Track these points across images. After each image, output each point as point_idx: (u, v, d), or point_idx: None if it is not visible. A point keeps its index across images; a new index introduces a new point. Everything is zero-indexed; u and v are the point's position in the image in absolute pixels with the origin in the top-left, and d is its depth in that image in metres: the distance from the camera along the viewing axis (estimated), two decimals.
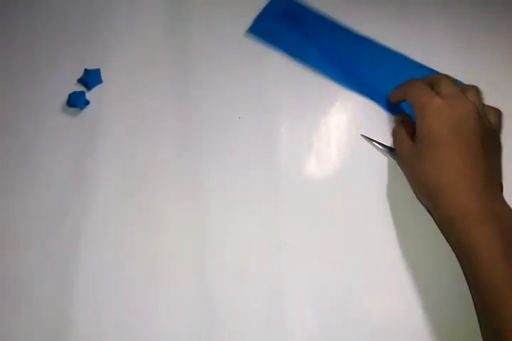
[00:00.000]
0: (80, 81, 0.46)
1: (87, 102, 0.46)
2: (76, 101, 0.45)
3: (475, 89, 0.39)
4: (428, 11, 0.49)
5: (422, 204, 0.39)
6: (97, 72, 0.46)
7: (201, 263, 0.40)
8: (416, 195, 0.40)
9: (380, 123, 0.45)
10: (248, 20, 0.49)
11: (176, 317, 0.38)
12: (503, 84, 0.46)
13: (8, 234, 0.41)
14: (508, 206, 0.35)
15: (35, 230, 0.41)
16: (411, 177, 0.39)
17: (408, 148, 0.39)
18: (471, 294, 0.35)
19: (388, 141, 0.44)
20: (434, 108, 0.36)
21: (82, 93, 0.45)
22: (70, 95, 0.45)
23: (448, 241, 0.37)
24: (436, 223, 0.38)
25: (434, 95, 0.37)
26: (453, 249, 0.36)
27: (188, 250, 0.40)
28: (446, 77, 0.40)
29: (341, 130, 0.45)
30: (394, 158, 0.42)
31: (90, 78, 0.46)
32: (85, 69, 0.46)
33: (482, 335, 0.34)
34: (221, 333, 0.38)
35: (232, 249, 0.40)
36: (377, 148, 0.41)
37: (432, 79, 0.39)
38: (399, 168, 0.42)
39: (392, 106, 0.44)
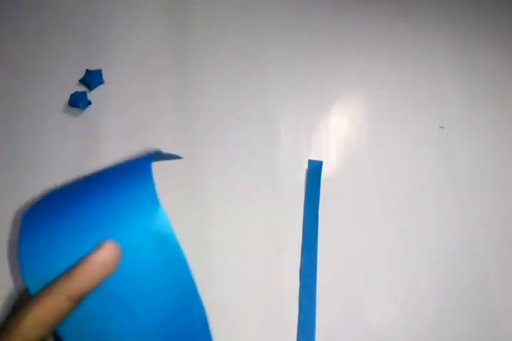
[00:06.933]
0: (82, 81, 0.47)
1: (89, 102, 0.46)
2: (78, 102, 0.45)
3: None
4: (428, 11, 0.49)
5: None
6: (99, 72, 0.47)
7: (201, 263, 0.40)
8: None
9: (379, 123, 0.45)
10: (249, 20, 0.49)
11: None
12: (503, 84, 0.46)
13: (9, 234, 0.41)
14: None
15: None
16: None
17: None
18: None
19: (391, 139, 0.44)
20: None
21: (84, 93, 0.46)
22: (71, 95, 0.45)
23: None
24: None
25: None
26: None
27: (189, 250, 0.40)
28: None
29: (341, 130, 0.45)
30: None
31: (92, 78, 0.46)
32: (87, 70, 0.46)
33: None
34: (221, 332, 0.38)
35: (233, 248, 0.40)
36: None
37: None
38: (398, 168, 0.43)
39: None
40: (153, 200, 0.23)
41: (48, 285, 0.21)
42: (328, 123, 0.45)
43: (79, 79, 0.47)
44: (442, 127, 0.44)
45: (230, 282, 0.39)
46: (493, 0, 0.50)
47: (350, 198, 0.42)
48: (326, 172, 0.43)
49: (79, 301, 0.21)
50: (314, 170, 0.42)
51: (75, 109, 0.46)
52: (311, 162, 0.42)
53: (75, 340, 0.22)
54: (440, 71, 0.47)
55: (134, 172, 0.25)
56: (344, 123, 0.45)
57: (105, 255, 0.21)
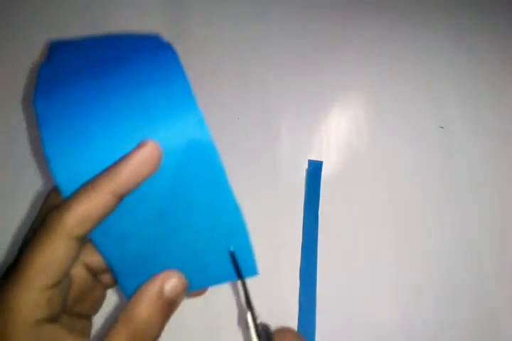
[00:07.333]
0: None
1: None
2: None
3: None
4: (428, 11, 0.49)
5: None
6: None
7: None
8: None
9: (379, 123, 0.45)
10: (250, 20, 0.49)
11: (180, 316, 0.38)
12: (503, 84, 0.46)
13: (10, 237, 0.41)
14: None
15: None
16: None
17: None
18: None
19: (391, 139, 0.44)
20: None
21: None
22: None
23: None
24: None
25: None
26: None
27: None
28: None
29: (341, 130, 0.45)
30: None
31: None
32: None
33: None
34: (222, 332, 0.38)
35: None
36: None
37: None
38: (398, 168, 0.43)
39: None
40: (190, 103, 0.24)
41: (91, 182, 0.20)
42: (328, 124, 0.45)
43: None
44: (442, 127, 0.44)
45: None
46: (493, 1, 0.50)
47: (350, 198, 0.42)
48: (326, 172, 0.43)
49: (122, 199, 0.21)
50: (314, 170, 0.42)
51: None
52: (311, 162, 0.42)
53: (101, 239, 0.22)
54: (440, 71, 0.47)
55: (169, 81, 0.26)
56: (344, 123, 0.45)
57: (149, 152, 0.20)
